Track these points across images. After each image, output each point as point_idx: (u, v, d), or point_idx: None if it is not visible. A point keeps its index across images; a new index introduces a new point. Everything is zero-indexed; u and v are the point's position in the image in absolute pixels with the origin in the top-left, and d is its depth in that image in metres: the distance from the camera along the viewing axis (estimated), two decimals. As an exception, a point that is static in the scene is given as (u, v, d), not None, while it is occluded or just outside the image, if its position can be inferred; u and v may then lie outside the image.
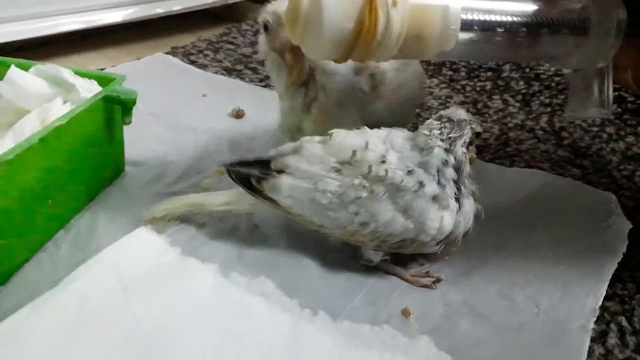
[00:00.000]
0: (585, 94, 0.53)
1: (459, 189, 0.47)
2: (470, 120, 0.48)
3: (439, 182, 0.46)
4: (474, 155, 0.49)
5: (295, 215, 0.49)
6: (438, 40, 0.47)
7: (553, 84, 0.85)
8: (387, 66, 0.56)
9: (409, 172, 0.45)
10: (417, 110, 0.82)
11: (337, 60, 0.49)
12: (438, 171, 0.46)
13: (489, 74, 0.90)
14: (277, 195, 0.49)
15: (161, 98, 0.79)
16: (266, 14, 0.55)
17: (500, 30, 0.49)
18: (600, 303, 0.47)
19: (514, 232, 0.56)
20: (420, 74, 0.63)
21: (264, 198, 0.50)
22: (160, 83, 0.85)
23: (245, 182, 0.50)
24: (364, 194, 0.46)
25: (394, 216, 0.46)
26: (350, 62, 0.51)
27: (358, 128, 0.49)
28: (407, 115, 0.61)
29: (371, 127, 0.50)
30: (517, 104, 0.83)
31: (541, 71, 0.87)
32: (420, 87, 0.63)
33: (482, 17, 0.48)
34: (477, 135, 0.49)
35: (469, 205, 0.48)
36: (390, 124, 0.50)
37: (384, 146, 0.47)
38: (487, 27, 0.49)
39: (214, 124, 0.75)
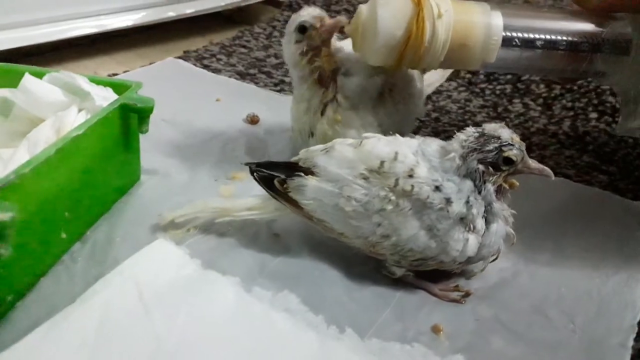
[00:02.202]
0: (634, 108, 0.55)
1: (487, 209, 0.45)
2: (505, 142, 0.43)
3: (467, 201, 0.44)
4: (504, 184, 0.45)
5: (316, 221, 0.48)
6: (481, 50, 0.53)
7: (575, 87, 0.82)
8: (396, 80, 0.59)
9: (437, 188, 0.44)
10: (436, 115, 0.80)
11: (391, 67, 0.55)
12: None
13: (509, 76, 0.88)
14: (300, 196, 0.48)
15: (174, 103, 0.78)
16: (303, 17, 0.56)
17: (540, 45, 0.53)
18: (638, 318, 0.46)
19: (543, 243, 0.54)
20: (422, 91, 0.66)
21: (285, 200, 0.49)
22: (172, 88, 0.84)
23: (268, 183, 0.49)
24: (389, 207, 0.44)
25: (417, 233, 0.44)
26: (366, 68, 0.57)
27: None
28: (406, 127, 0.63)
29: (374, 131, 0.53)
30: (539, 108, 0.81)
31: (562, 74, 0.85)
32: (422, 104, 0.67)
33: (523, 33, 0.53)
34: (506, 160, 0.44)
35: (498, 228, 0.46)
36: (388, 133, 0.53)
37: (414, 158, 0.45)
38: (527, 43, 0.53)
39: (229, 129, 0.74)
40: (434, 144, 0.46)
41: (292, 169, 0.49)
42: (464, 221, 0.44)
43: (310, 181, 0.47)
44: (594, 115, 0.78)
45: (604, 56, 0.54)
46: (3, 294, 0.43)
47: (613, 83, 0.59)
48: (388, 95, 0.59)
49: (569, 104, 0.81)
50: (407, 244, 0.45)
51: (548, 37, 0.53)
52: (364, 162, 0.46)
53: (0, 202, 0.38)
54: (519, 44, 0.53)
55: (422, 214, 0.44)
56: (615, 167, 0.68)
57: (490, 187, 0.45)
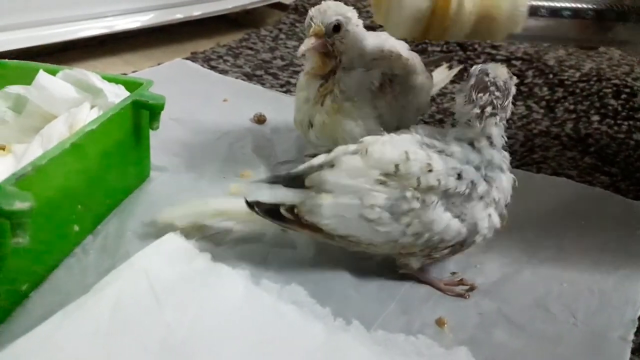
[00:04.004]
0: None
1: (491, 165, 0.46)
2: (510, 74, 0.46)
3: (485, 177, 0.45)
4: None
5: (338, 239, 0.47)
6: (507, 21, 0.52)
7: (578, 90, 0.84)
8: (397, 71, 0.60)
9: (459, 175, 0.44)
10: (440, 116, 0.81)
11: (415, 39, 0.54)
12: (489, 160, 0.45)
13: (512, 80, 0.89)
14: (318, 217, 0.46)
15: (182, 103, 0.78)
16: (336, 16, 0.55)
17: (566, 14, 0.53)
18: (639, 313, 0.46)
19: (545, 240, 0.55)
20: (429, 86, 0.66)
21: (299, 226, 0.47)
22: (180, 88, 0.85)
23: (273, 214, 0.47)
24: (417, 205, 0.44)
25: (448, 223, 0.45)
26: (365, 61, 0.58)
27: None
28: (407, 120, 0.62)
29: (373, 125, 0.54)
30: (542, 111, 0.82)
31: (565, 77, 0.86)
32: (426, 98, 0.66)
33: (549, 2, 0.53)
34: None
35: (505, 178, 0.46)
36: (389, 124, 0.53)
37: (424, 152, 0.46)
38: (554, 12, 0.53)
39: (236, 129, 0.75)
40: (427, 130, 0.48)
41: (294, 181, 0.48)
42: (483, 197, 0.45)
43: (325, 200, 0.46)
44: (596, 118, 0.79)
45: (630, 25, 0.54)
46: (18, 283, 0.44)
47: (638, 52, 0.60)
48: (389, 87, 0.59)
49: (571, 107, 0.82)
50: (438, 236, 0.45)
51: (574, 5, 0.53)
52: (377, 168, 0.45)
53: (18, 191, 0.39)
54: (545, 13, 0.53)
55: (448, 203, 0.45)
56: (617, 168, 0.69)
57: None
